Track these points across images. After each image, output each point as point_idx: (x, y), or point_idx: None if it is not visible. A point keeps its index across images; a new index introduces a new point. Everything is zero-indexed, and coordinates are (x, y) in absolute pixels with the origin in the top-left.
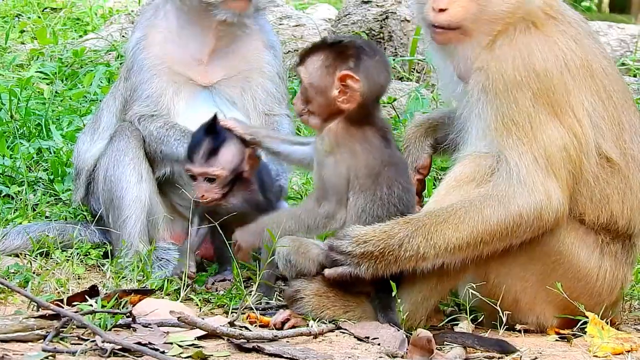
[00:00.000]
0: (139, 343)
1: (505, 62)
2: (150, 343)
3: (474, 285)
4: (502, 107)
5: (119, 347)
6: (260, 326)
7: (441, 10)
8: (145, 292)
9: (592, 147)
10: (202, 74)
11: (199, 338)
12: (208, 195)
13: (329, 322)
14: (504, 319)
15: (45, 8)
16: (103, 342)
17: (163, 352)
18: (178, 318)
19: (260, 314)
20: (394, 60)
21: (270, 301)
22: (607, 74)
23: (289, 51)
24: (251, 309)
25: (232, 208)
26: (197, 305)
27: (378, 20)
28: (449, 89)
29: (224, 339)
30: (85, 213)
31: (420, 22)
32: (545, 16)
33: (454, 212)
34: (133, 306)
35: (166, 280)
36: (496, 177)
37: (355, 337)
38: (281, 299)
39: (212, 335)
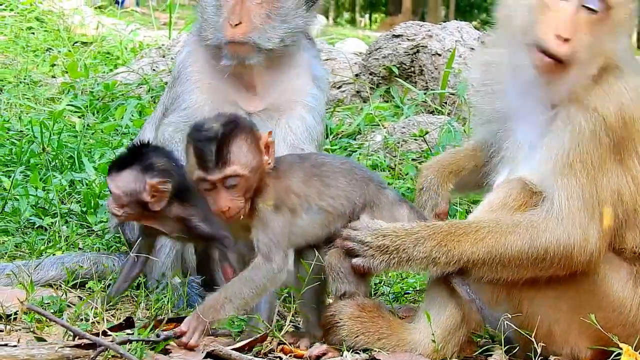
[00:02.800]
0: None
1: (611, 105)
2: None
3: (509, 316)
4: (581, 145)
5: None
6: (295, 357)
7: (565, 40)
8: (180, 321)
9: None
10: (249, 100)
11: None
12: (114, 211)
13: (363, 350)
14: (539, 350)
15: (76, 42)
16: None
17: None
18: (212, 351)
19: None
20: (425, 93)
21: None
22: None
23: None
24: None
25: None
26: (232, 336)
27: (409, 54)
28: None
29: None
30: (118, 244)
31: (523, 41)
32: (626, 60)
33: (476, 229)
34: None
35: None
36: (536, 210)
37: None
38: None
39: None
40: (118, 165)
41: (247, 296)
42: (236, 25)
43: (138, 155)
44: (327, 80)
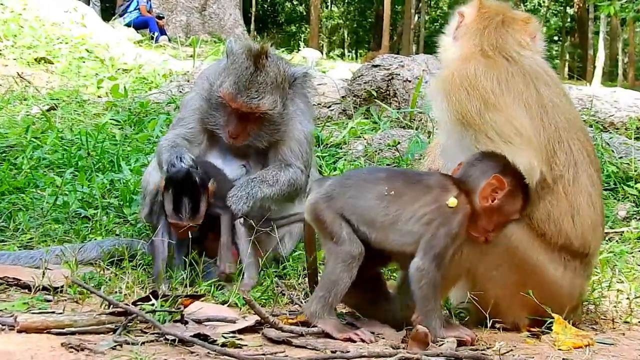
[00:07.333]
0: (197, 335)
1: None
2: (200, 334)
3: (468, 293)
4: (450, 109)
5: (174, 338)
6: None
7: None
8: (195, 297)
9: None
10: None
11: (239, 331)
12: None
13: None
14: (488, 317)
15: (118, 69)
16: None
17: (206, 340)
18: (245, 299)
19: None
20: (397, 112)
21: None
22: (555, 104)
23: (313, 105)
24: (284, 314)
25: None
26: (238, 305)
27: (385, 80)
28: None
29: (259, 332)
30: (147, 231)
31: None
32: (495, 55)
33: None
34: (185, 307)
35: (212, 286)
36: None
37: None
38: None
39: (250, 330)
40: (193, 209)
41: None
42: (234, 138)
43: (193, 185)
44: (312, 130)
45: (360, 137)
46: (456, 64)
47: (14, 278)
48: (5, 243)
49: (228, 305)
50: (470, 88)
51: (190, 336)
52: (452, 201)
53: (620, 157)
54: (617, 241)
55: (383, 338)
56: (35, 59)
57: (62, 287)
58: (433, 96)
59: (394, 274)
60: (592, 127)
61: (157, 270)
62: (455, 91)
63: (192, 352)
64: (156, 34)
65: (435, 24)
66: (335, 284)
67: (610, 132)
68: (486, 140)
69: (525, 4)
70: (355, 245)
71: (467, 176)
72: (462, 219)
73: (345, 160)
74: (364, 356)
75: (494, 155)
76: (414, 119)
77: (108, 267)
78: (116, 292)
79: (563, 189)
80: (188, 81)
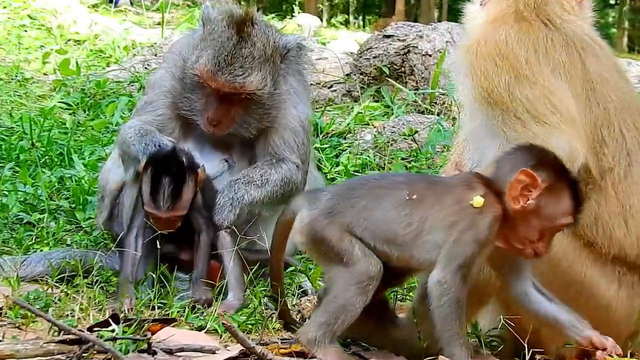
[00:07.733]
0: None
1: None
2: None
3: (502, 317)
4: (478, 85)
5: None
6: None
7: None
8: (165, 321)
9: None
10: None
11: None
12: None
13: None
14: (527, 349)
15: (69, 40)
16: None
17: None
18: (224, 324)
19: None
20: (415, 93)
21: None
22: (605, 80)
23: (310, 84)
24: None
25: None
26: (218, 332)
27: (399, 54)
28: None
29: None
30: (106, 241)
31: None
32: (532, 18)
33: None
34: (153, 334)
35: (187, 308)
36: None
37: None
38: None
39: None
40: (174, 193)
41: None
42: (214, 125)
43: (177, 169)
44: (308, 110)
45: (368, 124)
46: (483, 29)
47: None
48: None
49: (206, 332)
50: (500, 58)
51: None
52: (477, 200)
53: None
54: None
55: None
56: None
57: (0, 308)
58: (455, 70)
59: (410, 294)
60: None
61: (124, 276)
62: (481, 63)
63: None
64: None
65: None
66: (344, 310)
67: None
68: (514, 121)
69: None
70: (372, 262)
71: (496, 173)
72: (490, 222)
73: (350, 153)
74: None
75: (531, 147)
76: (435, 102)
77: (57, 285)
78: (68, 315)
79: (612, 186)
80: (155, 55)
